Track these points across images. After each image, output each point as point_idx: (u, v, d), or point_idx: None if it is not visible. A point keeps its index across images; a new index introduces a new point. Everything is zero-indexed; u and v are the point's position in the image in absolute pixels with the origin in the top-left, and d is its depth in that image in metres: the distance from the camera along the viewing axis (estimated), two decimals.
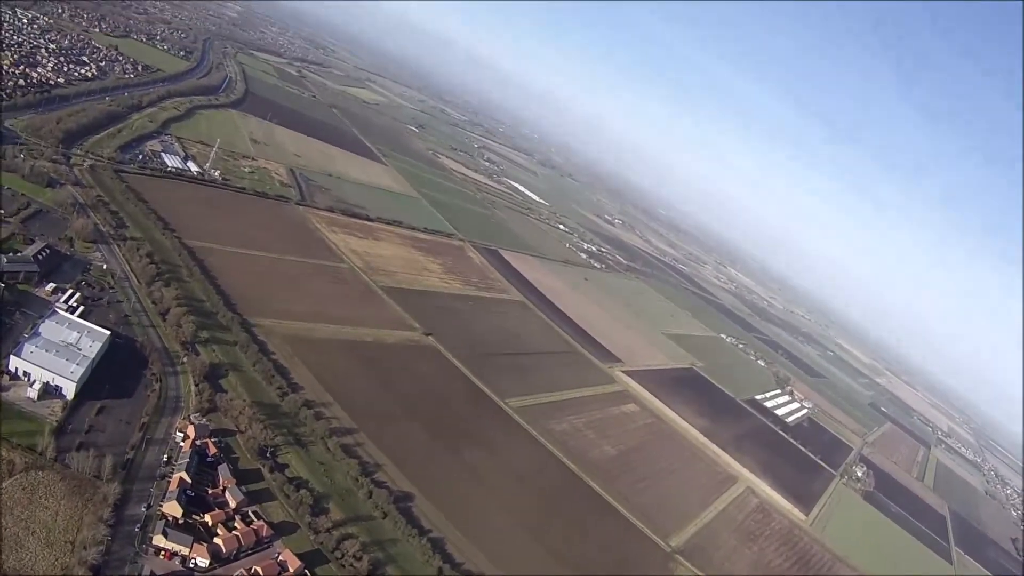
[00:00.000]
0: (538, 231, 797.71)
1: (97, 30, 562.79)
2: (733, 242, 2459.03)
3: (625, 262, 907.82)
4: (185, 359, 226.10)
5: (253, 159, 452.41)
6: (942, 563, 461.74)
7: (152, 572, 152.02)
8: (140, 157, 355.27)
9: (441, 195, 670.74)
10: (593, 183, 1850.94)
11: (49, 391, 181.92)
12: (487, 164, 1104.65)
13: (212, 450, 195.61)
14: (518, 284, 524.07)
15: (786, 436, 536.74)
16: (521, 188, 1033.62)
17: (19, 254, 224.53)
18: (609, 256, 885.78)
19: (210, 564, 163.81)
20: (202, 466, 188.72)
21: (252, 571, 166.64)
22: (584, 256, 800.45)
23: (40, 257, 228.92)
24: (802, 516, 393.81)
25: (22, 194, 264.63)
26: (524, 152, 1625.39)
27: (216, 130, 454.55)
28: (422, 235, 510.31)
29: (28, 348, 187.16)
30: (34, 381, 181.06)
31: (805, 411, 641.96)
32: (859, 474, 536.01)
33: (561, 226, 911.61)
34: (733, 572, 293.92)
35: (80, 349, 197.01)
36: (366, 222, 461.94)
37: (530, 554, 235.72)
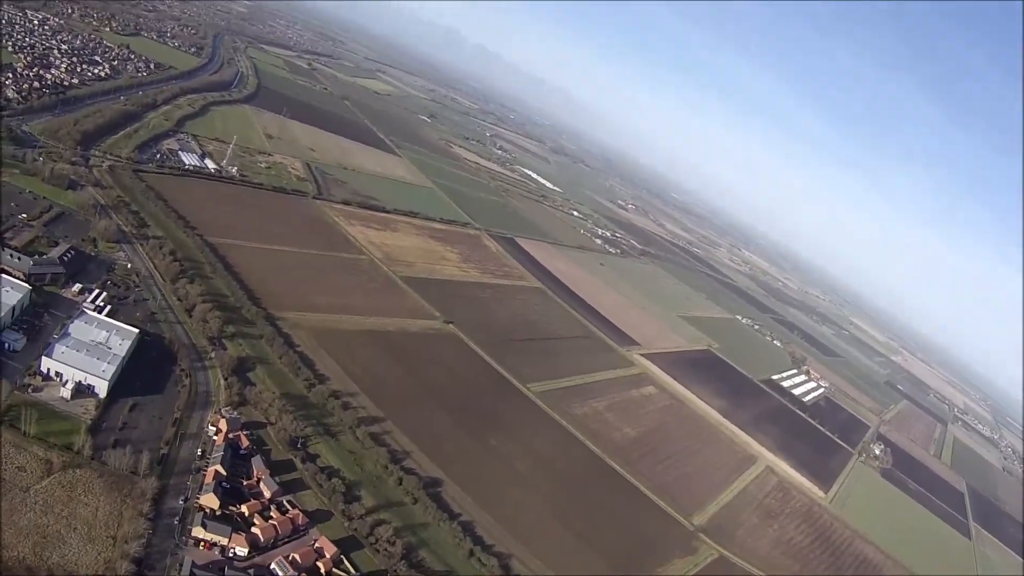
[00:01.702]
0: (553, 218, 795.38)
1: (108, 29, 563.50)
2: (747, 225, 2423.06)
3: (640, 247, 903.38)
4: (213, 354, 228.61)
5: (269, 155, 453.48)
6: (961, 539, 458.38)
7: (193, 563, 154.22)
8: (158, 156, 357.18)
9: (455, 184, 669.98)
10: (605, 169, 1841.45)
11: (82, 390, 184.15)
12: (499, 152, 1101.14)
13: (245, 443, 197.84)
14: (535, 271, 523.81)
15: (803, 415, 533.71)
16: (534, 175, 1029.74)
17: (45, 256, 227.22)
18: (624, 241, 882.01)
19: (249, 553, 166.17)
20: (236, 458, 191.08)
21: (290, 558, 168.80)
22: (599, 242, 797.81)
23: (65, 259, 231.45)
24: (821, 494, 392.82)
25: (44, 197, 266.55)
26: (536, 139, 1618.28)
27: (231, 126, 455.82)
28: (438, 225, 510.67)
29: (59, 348, 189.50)
30: (67, 381, 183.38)
31: (822, 390, 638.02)
32: (876, 452, 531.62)
33: (575, 212, 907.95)
34: (755, 549, 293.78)
35: (110, 348, 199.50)
36: (383, 214, 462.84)
37: (557, 535, 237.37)
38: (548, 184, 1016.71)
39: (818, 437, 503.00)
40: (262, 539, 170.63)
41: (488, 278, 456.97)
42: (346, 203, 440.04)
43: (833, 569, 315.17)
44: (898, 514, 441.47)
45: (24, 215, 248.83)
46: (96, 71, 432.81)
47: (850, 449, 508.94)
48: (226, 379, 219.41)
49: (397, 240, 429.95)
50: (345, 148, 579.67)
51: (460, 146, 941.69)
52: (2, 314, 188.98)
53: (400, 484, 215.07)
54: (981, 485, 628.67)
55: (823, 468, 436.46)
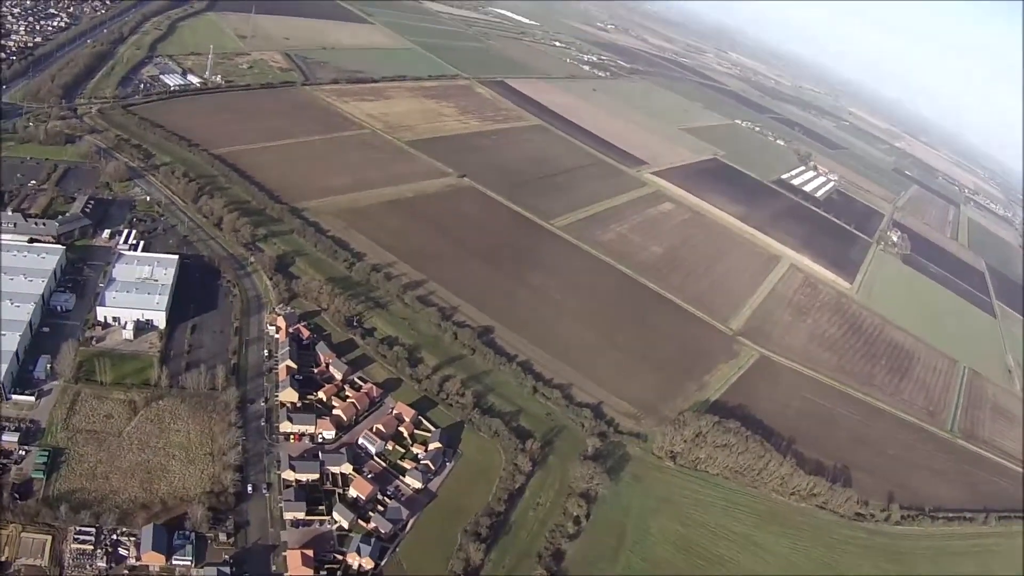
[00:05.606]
0: (536, 52, 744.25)
1: None
2: (726, 22, 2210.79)
3: (628, 66, 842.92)
4: (252, 259, 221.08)
5: (247, 54, 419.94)
6: (986, 317, 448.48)
7: (289, 456, 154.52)
8: (141, 86, 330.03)
9: (434, 39, 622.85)
10: None
11: (142, 327, 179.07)
12: None
13: (305, 333, 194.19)
14: (531, 108, 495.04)
15: (818, 210, 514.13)
16: (508, 13, 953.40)
17: (67, 214, 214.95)
18: (611, 63, 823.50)
19: (336, 434, 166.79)
20: (301, 350, 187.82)
21: (374, 430, 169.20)
22: (587, 68, 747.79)
23: (87, 210, 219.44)
24: (847, 285, 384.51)
25: (46, 159, 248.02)
26: None
27: (202, 37, 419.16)
28: (428, 83, 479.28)
29: (110, 295, 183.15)
30: (125, 323, 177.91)
31: (832, 184, 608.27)
32: (894, 239, 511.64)
33: (557, 43, 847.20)
34: (792, 346, 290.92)
35: (156, 280, 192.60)
36: (373, 84, 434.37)
37: (608, 357, 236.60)
38: (524, 20, 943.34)
39: (836, 230, 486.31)
40: (345, 419, 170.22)
41: (489, 125, 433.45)
42: (335, 82, 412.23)
43: (868, 357, 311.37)
44: (923, 298, 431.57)
45: (33, 181, 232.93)
46: (55, 23, 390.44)
47: (868, 239, 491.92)
48: (271, 279, 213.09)
49: (393, 107, 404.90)
50: (319, 29, 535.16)
51: None
52: (46, 282, 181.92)
53: (456, 339, 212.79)
54: (1000, 264, 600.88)
55: (845, 260, 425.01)
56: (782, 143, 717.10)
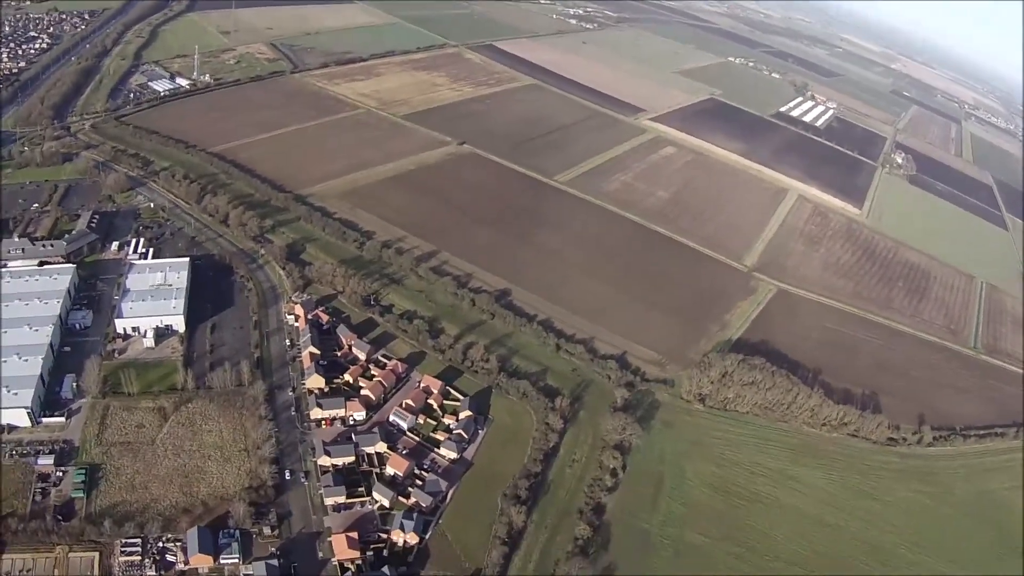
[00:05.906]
0: (522, 12, 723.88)
1: (27, 2, 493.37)
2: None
3: (615, 15, 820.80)
4: (263, 251, 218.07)
5: (233, 50, 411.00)
6: (998, 230, 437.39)
7: (323, 441, 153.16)
8: (131, 96, 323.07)
9: (418, 11, 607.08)
10: None
11: (162, 333, 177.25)
12: None
13: (324, 318, 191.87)
14: (524, 69, 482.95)
15: (820, 139, 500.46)
16: None
17: (74, 232, 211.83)
18: (598, 14, 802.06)
19: (367, 414, 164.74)
20: (322, 335, 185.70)
21: (404, 405, 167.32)
22: (574, 22, 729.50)
23: (93, 225, 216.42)
24: (856, 211, 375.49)
25: (45, 181, 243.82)
26: None
27: (185, 39, 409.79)
28: (418, 55, 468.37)
29: (127, 306, 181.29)
30: (145, 331, 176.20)
31: (831, 112, 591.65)
32: (899, 161, 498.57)
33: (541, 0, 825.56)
34: (808, 276, 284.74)
35: (171, 285, 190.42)
36: (362, 63, 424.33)
37: (627, 308, 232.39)
38: None
39: (840, 158, 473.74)
40: (373, 398, 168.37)
41: (483, 89, 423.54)
42: (324, 67, 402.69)
43: (885, 280, 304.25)
44: (934, 217, 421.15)
45: (35, 204, 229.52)
46: (37, 45, 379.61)
47: (873, 163, 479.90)
48: (284, 268, 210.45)
49: (384, 83, 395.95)
50: (302, 15, 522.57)
51: None
52: (61, 302, 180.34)
53: (474, 305, 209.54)
54: (1007, 176, 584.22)
55: (852, 186, 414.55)
56: (777, 76, 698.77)
